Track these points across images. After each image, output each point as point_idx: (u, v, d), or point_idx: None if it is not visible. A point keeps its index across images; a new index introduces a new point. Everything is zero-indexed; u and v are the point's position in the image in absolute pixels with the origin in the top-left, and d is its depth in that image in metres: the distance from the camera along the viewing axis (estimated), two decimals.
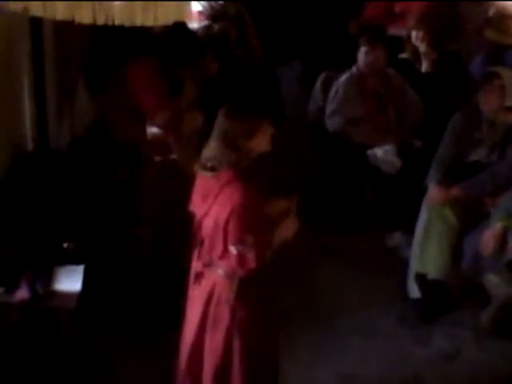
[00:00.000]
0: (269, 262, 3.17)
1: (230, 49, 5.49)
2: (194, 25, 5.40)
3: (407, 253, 4.74)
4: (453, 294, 4.60)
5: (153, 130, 4.63)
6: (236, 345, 3.22)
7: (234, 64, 5.34)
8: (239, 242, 3.06)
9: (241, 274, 3.14)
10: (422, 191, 4.63)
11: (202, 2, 5.76)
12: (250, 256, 3.07)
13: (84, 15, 2.92)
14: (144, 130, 4.55)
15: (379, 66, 5.39)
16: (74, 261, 3.60)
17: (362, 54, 5.38)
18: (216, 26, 5.52)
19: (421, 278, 4.54)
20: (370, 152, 5.27)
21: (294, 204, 3.29)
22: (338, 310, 4.54)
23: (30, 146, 4.20)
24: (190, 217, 3.29)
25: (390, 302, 4.63)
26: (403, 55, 5.87)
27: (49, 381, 3.42)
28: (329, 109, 5.41)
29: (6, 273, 3.41)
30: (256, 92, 5.00)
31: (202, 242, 3.22)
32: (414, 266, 4.58)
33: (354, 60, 5.43)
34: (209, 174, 3.14)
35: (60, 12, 2.91)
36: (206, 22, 5.59)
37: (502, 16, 5.64)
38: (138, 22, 2.98)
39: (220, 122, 3.13)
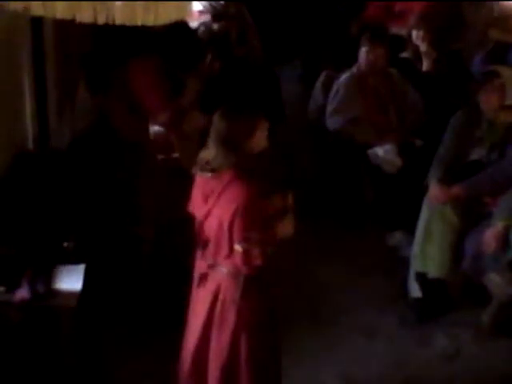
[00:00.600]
0: (269, 260, 3.16)
1: (231, 48, 5.49)
2: (194, 24, 5.40)
3: (408, 252, 4.74)
4: (453, 294, 4.60)
5: (155, 128, 4.63)
6: (242, 344, 3.22)
7: (234, 63, 5.34)
8: (245, 239, 3.07)
9: (246, 271, 3.14)
10: (423, 190, 4.62)
11: (202, 2, 5.76)
12: (256, 253, 3.08)
13: (85, 15, 2.91)
14: (147, 129, 4.56)
15: (380, 66, 5.38)
16: (74, 260, 3.59)
17: (363, 53, 5.36)
18: (217, 26, 5.52)
19: (421, 278, 4.54)
20: (370, 151, 5.26)
21: (291, 201, 3.28)
22: (338, 310, 4.53)
23: (30, 146, 4.20)
24: (191, 216, 3.29)
25: (390, 301, 4.63)
26: (404, 54, 5.87)
27: (50, 380, 3.42)
28: (329, 108, 5.40)
29: (6, 272, 3.41)
30: (256, 91, 5.00)
31: (205, 243, 3.21)
32: (415, 266, 4.58)
33: (355, 60, 5.42)
34: (209, 174, 3.13)
35: (61, 11, 2.90)
36: (206, 21, 5.59)
37: (507, 15, 5.66)
38: (139, 21, 2.98)
39: (217, 125, 3.12)
